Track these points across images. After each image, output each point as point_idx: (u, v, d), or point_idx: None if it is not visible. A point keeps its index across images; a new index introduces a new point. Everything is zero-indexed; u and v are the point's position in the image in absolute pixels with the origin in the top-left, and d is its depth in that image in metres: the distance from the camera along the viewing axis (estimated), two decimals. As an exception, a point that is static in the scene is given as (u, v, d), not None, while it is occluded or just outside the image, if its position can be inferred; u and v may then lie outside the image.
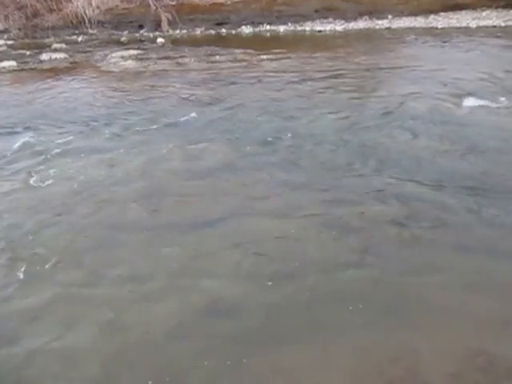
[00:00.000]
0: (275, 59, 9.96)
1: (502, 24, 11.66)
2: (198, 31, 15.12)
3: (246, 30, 14.69)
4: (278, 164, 4.93)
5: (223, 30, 14.92)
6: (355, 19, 13.91)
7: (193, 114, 6.68)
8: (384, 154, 5.01)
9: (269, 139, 5.57)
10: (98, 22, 16.18)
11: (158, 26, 15.63)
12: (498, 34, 10.92)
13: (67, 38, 15.57)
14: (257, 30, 14.60)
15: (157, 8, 15.59)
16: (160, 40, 14.06)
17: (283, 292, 3.14)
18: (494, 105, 6.30)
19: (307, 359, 2.69)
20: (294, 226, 3.80)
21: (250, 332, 2.86)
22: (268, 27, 14.57)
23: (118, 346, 2.83)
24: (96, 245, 3.77)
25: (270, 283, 3.22)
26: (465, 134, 5.43)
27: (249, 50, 11.12)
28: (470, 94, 6.64)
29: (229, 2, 16.12)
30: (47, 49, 13.53)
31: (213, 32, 14.94)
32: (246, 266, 3.41)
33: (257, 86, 7.95)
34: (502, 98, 6.46)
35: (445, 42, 10.52)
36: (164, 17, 15.42)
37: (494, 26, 11.59)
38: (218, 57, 10.79)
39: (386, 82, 7.82)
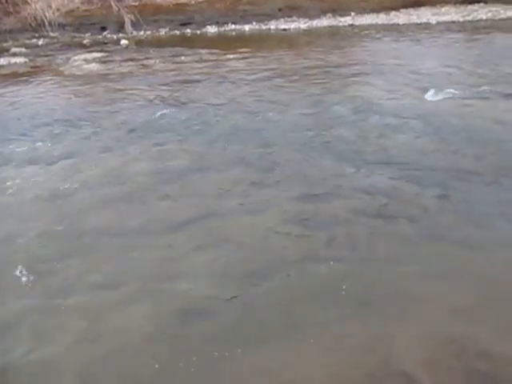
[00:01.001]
0: (241, 58, 9.96)
1: (461, 19, 12.02)
2: (162, 32, 14.95)
3: (211, 29, 14.62)
4: (247, 162, 4.93)
5: (188, 31, 14.81)
6: (319, 17, 14.05)
7: (159, 116, 6.61)
8: (351, 149, 5.08)
9: (237, 138, 5.57)
10: (59, 24, 15.77)
11: (121, 27, 15.37)
12: (457, 29, 11.26)
13: (27, 41, 15.11)
14: (222, 29, 14.56)
15: (119, 9, 15.33)
16: (124, 42, 13.84)
17: (257, 290, 3.13)
18: (456, 96, 6.49)
19: (284, 356, 2.69)
20: (265, 224, 3.81)
21: (226, 332, 2.84)
22: (233, 26, 14.55)
23: (93, 354, 2.76)
24: (66, 252, 3.67)
25: (243, 282, 3.21)
26: (430, 126, 5.57)
27: (214, 50, 11.08)
28: (432, 87, 6.81)
29: (193, 2, 16.01)
30: (5, 53, 13.10)
31: (177, 32, 14.80)
32: (219, 265, 3.39)
33: (224, 86, 7.93)
34: (464, 90, 6.66)
35: (406, 37, 10.76)
36: (127, 18, 15.17)
37: (453, 22, 11.94)
38: (183, 57, 10.70)
39: (351, 77, 7.93)
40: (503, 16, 11.96)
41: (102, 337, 2.87)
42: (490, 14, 12.09)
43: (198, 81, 8.43)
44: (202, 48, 11.50)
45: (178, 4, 15.93)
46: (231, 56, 10.28)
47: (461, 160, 4.74)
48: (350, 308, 2.96)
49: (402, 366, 2.58)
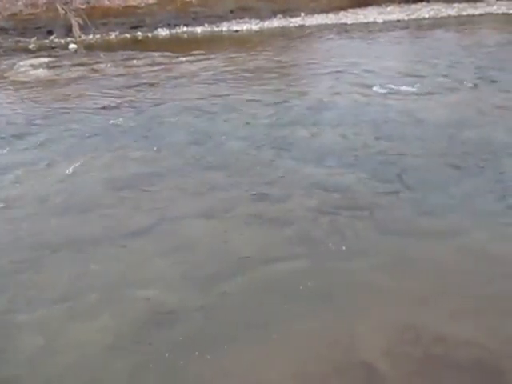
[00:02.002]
0: (195, 61, 9.92)
1: (405, 18, 12.47)
2: (112, 35, 14.63)
3: (163, 32, 14.45)
4: (203, 165, 4.93)
5: (139, 33, 14.57)
6: (270, 18, 14.19)
7: (112, 121, 6.48)
8: (306, 147, 5.19)
9: (192, 141, 5.55)
10: (1, 28, 15.12)
11: (68, 31, 14.91)
12: (403, 28, 11.68)
13: (-34, 47, 14.38)
14: (174, 31, 14.42)
15: (66, 12, 14.87)
16: (72, 46, 13.44)
17: (220, 292, 3.15)
18: (404, 92, 6.75)
19: (250, 356, 2.72)
20: (224, 225, 3.83)
21: (190, 336, 2.84)
22: (185, 29, 14.44)
23: (52, 371, 2.69)
24: (20, 267, 3.55)
25: (205, 285, 3.22)
26: (381, 121, 5.77)
27: (167, 53, 10.96)
28: (381, 84, 7.05)
29: (143, 5, 15.76)
30: None
31: (128, 36, 14.53)
32: (180, 270, 3.38)
33: (177, 89, 7.87)
34: (411, 85, 6.94)
35: (355, 36, 11.06)
36: (74, 21, 14.74)
37: (398, 20, 12.38)
38: (135, 61, 10.52)
39: (303, 77, 8.08)
40: (444, 14, 12.52)
41: (61, 352, 2.79)
42: (432, 13, 12.63)
43: (151, 84, 8.33)
44: (154, 51, 11.36)
45: (127, 6, 15.64)
46: (184, 59, 10.22)
47: (411, 153, 4.94)
48: (310, 303, 3.03)
49: (363, 356, 2.67)
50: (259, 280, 3.27)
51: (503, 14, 12.44)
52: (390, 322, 2.86)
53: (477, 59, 8.32)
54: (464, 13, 12.45)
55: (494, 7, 12.70)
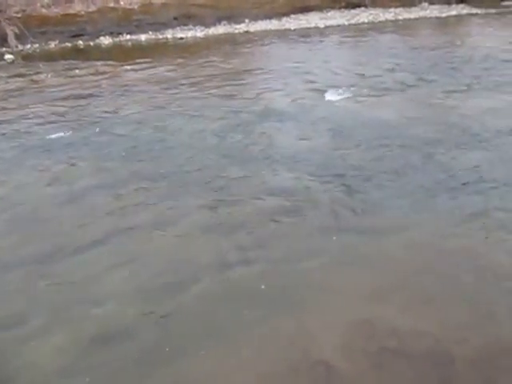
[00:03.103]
0: (140, 69, 9.76)
1: (346, 23, 12.89)
2: (52, 44, 14.12)
3: (105, 40, 14.12)
4: (152, 175, 4.85)
5: (80, 42, 14.16)
6: (215, 25, 14.22)
7: (56, 134, 6.25)
8: (257, 153, 5.23)
9: (140, 151, 5.46)
10: None
11: (3, 40, 14.24)
12: (343, 32, 12.06)
13: None
14: (117, 40, 14.13)
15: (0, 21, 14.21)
16: (8, 56, 12.84)
17: (176, 303, 3.11)
18: (348, 93, 6.96)
19: (209, 364, 2.70)
20: (177, 235, 3.79)
21: (149, 350, 2.78)
22: (128, 37, 14.19)
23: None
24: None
25: (161, 296, 3.17)
26: (331, 124, 5.92)
27: (110, 62, 10.72)
28: (328, 87, 7.24)
29: (83, 13, 15.33)
30: None
31: (69, 45, 14.08)
32: (133, 283, 3.30)
33: (123, 98, 7.71)
34: (355, 87, 7.17)
35: (299, 41, 11.29)
36: (9, 30, 14.10)
37: (339, 25, 12.76)
38: (77, 71, 10.21)
39: (251, 82, 8.15)
40: (382, 19, 13.05)
41: (10, 379, 2.66)
42: (370, 17, 13.12)
43: (95, 94, 8.11)
44: (97, 60, 11.07)
45: (66, 15, 15.16)
46: (129, 67, 10.03)
47: (358, 154, 5.10)
48: (266, 307, 3.05)
49: (320, 355, 2.71)
50: (215, 287, 3.25)
51: (436, 17, 13.12)
52: (344, 318, 2.93)
53: (414, 61, 8.73)
54: (400, 17, 13.02)
55: (427, 11, 13.39)
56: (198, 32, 13.71)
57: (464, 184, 4.41)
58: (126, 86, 8.52)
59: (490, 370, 2.61)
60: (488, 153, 5.04)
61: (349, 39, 11.33)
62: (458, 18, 13.09)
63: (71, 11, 15.15)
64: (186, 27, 14.32)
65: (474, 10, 13.37)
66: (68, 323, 3.01)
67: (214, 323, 2.96)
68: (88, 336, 2.89)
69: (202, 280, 3.31)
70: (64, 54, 12.61)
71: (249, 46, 11.63)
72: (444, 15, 13.01)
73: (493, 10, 13.24)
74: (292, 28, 12.85)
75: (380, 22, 12.87)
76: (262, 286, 3.20)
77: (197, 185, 4.60)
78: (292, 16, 13.74)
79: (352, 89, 7.15)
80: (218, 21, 14.48)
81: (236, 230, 3.81)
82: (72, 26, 14.91)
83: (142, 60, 10.63)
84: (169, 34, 13.83)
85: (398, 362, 2.66)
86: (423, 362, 2.65)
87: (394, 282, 3.25)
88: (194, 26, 14.33)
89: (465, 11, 13.37)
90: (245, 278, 3.32)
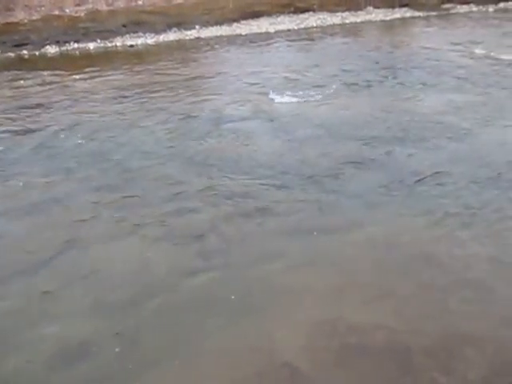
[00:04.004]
0: (89, 78, 9.51)
1: (295, 27, 13.09)
2: (-7, 55, 13.53)
3: (52, 49, 13.66)
4: (104, 186, 4.74)
5: (24, 52, 13.62)
6: (165, 31, 14.07)
7: (0, 148, 6.00)
8: (211, 159, 5.22)
9: (91, 162, 5.32)
10: None
11: None
12: (293, 36, 12.25)
13: None
14: (64, 48, 13.70)
15: None
16: None
17: (136, 316, 3.05)
18: (301, 97, 7.08)
19: (175, 377, 2.67)
20: (134, 246, 3.73)
21: (111, 368, 2.72)
22: (76, 45, 13.79)
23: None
24: None
25: (121, 310, 3.10)
26: (282, 127, 6.00)
27: (58, 71, 10.39)
28: (279, 91, 7.33)
29: (26, 21, 14.79)
30: None
31: (12, 54, 13.51)
32: (90, 299, 3.22)
33: (73, 109, 7.49)
34: (307, 91, 7.30)
35: (250, 46, 11.38)
36: None
37: (289, 30, 12.95)
38: (22, 81, 9.82)
39: (204, 89, 8.12)
40: (330, 23, 13.34)
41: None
42: (319, 22, 13.39)
43: (42, 105, 7.83)
44: (44, 69, 10.70)
45: (7, 23, 14.57)
46: (77, 76, 9.76)
47: (312, 155, 5.19)
48: (229, 313, 3.05)
49: (284, 357, 2.75)
50: (177, 297, 3.23)
51: (381, 20, 13.57)
52: (306, 319, 2.98)
53: (363, 63, 8.99)
54: (347, 21, 13.37)
55: (373, 15, 13.82)
56: (149, 39, 13.52)
57: (420, 181, 4.59)
58: (75, 95, 8.28)
59: (445, 358, 2.72)
60: (442, 150, 5.27)
61: (299, 43, 11.53)
62: (402, 20, 13.61)
63: (13, 19, 14.58)
64: (135, 34, 14.08)
65: (417, 13, 13.94)
66: (23, 344, 2.89)
67: (176, 334, 2.93)
68: (44, 358, 2.78)
69: (161, 291, 3.27)
70: (7, 65, 12.10)
71: (200, 52, 11.60)
72: (388, 18, 13.49)
73: (434, 13, 13.85)
74: (243, 33, 12.93)
75: (328, 25, 13.16)
76: (224, 293, 3.20)
77: (151, 194, 4.53)
78: (242, 21, 13.81)
79: (304, 91, 7.28)
80: (168, 27, 14.34)
81: (194, 237, 3.80)
82: (15, 35, 14.34)
83: (90, 69, 10.37)
84: (118, 42, 13.56)
85: (359, 357, 2.73)
86: (383, 354, 2.73)
87: (353, 280, 3.33)
88: (144, 33, 14.12)
89: (408, 14, 13.91)
90: (206, 285, 3.31)
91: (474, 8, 13.86)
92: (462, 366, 2.67)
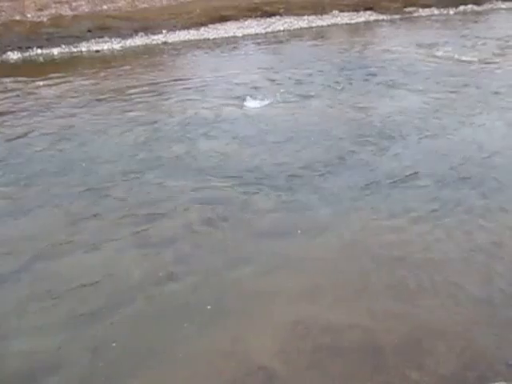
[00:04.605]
0: (54, 84, 9.30)
1: (263, 31, 13.16)
2: (-48, 62, 13.06)
3: (14, 56, 13.29)
4: (72, 194, 4.63)
5: (-15, 59, 13.23)
6: (131, 36, 13.90)
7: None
8: (183, 164, 5.19)
9: (58, 170, 5.19)
10: None
11: None
12: (261, 40, 12.32)
13: None
14: (26, 55, 13.35)
15: None
16: None
17: (104, 329, 2.99)
18: (269, 101, 7.11)
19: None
20: (102, 255, 3.66)
21: (83, 381, 2.65)
22: (39, 51, 13.46)
23: None
24: None
25: (91, 322, 3.03)
26: (252, 131, 6.01)
27: (21, 78, 10.11)
28: (248, 95, 7.34)
29: (-15, 27, 14.35)
30: None
31: (-28, 62, 13.10)
32: (61, 311, 3.13)
33: (37, 116, 7.30)
34: (275, 95, 7.33)
35: (218, 51, 11.38)
36: None
37: (257, 34, 13.01)
38: (-17, 89, 9.52)
39: (172, 93, 8.06)
40: (297, 26, 13.48)
41: None
42: (286, 25, 13.51)
43: (4, 113, 7.60)
44: (6, 76, 10.39)
45: (-34, 30, 14.10)
46: (41, 83, 9.52)
47: (283, 159, 5.22)
48: (203, 319, 3.03)
49: (259, 361, 2.75)
50: (149, 305, 3.18)
51: (346, 24, 13.81)
52: (279, 322, 2.99)
53: (330, 66, 9.11)
54: (314, 24, 13.55)
55: (339, 18, 14.04)
56: (115, 44, 13.33)
57: (390, 182, 4.67)
58: (39, 102, 8.08)
59: (416, 354, 2.78)
60: (409, 151, 5.38)
61: (267, 47, 11.60)
62: (367, 24, 13.88)
63: (-28, 26, 14.12)
64: (101, 39, 13.86)
65: (381, 17, 14.25)
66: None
67: (149, 344, 2.89)
68: (9, 377, 2.69)
69: (131, 300, 3.22)
70: (-33, 72, 11.71)
71: (168, 56, 11.52)
72: (354, 22, 13.73)
73: (397, 16, 14.19)
74: (210, 38, 12.91)
75: (295, 29, 13.30)
76: (197, 299, 3.17)
77: (121, 202, 4.46)
78: (210, 26, 13.79)
79: (272, 95, 7.32)
80: (134, 32, 14.17)
81: (164, 244, 3.75)
82: (-26, 42, 13.90)
83: (55, 75, 10.14)
84: (83, 47, 13.31)
85: (333, 357, 2.76)
86: (356, 354, 2.77)
87: (325, 281, 3.37)
88: (110, 38, 13.91)
89: (372, 18, 14.20)
90: (178, 292, 3.28)
91: (436, 11, 14.27)
92: (432, 362, 2.73)
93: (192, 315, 3.07)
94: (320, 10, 14.52)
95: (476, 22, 13.16)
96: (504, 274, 3.40)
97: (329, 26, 13.63)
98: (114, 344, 2.88)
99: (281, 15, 14.33)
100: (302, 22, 13.79)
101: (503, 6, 14.72)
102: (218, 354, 2.81)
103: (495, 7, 14.61)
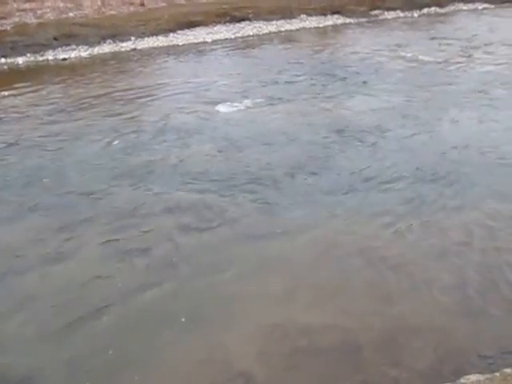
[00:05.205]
0: (19, 94, 9.06)
1: (232, 36, 13.19)
2: None
3: (-23, 65, 12.92)
4: (42, 206, 4.52)
5: None
6: (99, 44, 13.69)
7: None
8: (154, 171, 5.13)
9: (27, 181, 5.06)
10: None
11: None
12: (231, 45, 12.33)
13: None
14: (-10, 64, 13.00)
15: None
16: None
17: (85, 337, 2.92)
18: (242, 106, 7.11)
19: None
20: (77, 266, 3.59)
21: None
22: (3, 60, 13.11)
23: None
24: None
25: (66, 334, 2.96)
26: (225, 136, 6.00)
27: (-16, 88, 9.83)
28: (220, 100, 7.33)
29: None
30: None
31: None
32: (32, 326, 3.05)
33: (2, 126, 7.10)
34: (246, 99, 7.35)
35: (188, 57, 11.33)
36: None
37: (226, 39, 13.02)
38: None
39: (143, 100, 7.97)
40: (266, 31, 13.56)
41: None
42: (255, 30, 13.57)
43: (-31, 125, 7.36)
44: (-32, 87, 10.08)
45: None
46: (6, 93, 9.26)
47: (255, 163, 5.23)
48: (182, 326, 3.00)
49: (239, 366, 2.73)
50: (127, 314, 3.13)
51: (314, 27, 13.98)
52: (257, 326, 2.98)
53: (300, 69, 9.19)
54: (282, 28, 13.65)
55: (307, 22, 14.20)
56: (82, 52, 13.11)
57: (364, 182, 4.73)
58: (3, 113, 7.86)
59: (393, 351, 2.81)
60: (382, 150, 5.46)
61: (237, 52, 11.62)
62: (335, 27, 14.09)
63: None
64: (68, 47, 13.60)
65: (348, 20, 14.47)
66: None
67: (128, 353, 2.83)
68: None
69: (110, 310, 3.16)
70: None
71: (137, 63, 11.40)
72: (322, 25, 13.91)
73: (364, 19, 14.45)
74: (180, 44, 12.85)
75: (264, 34, 13.37)
76: (175, 306, 3.14)
77: (95, 210, 4.37)
78: (179, 32, 13.72)
79: (244, 100, 7.33)
80: (102, 39, 13.96)
81: (142, 251, 3.70)
82: None
83: (21, 84, 9.89)
84: (50, 56, 13.04)
85: (312, 358, 2.76)
86: (334, 354, 2.78)
87: (301, 282, 3.37)
88: (77, 45, 13.67)
89: (340, 21, 14.41)
90: (157, 299, 3.24)
91: (401, 14, 14.60)
92: (409, 358, 2.77)
93: (169, 323, 3.03)
94: (288, 15, 14.65)
95: (440, 23, 13.54)
96: (477, 270, 3.48)
97: (297, 30, 13.77)
98: (89, 355, 2.80)
99: (250, 20, 14.39)
100: (271, 27, 13.88)
101: (465, 8, 15.18)
102: (198, 361, 2.78)
103: (457, 9, 15.05)
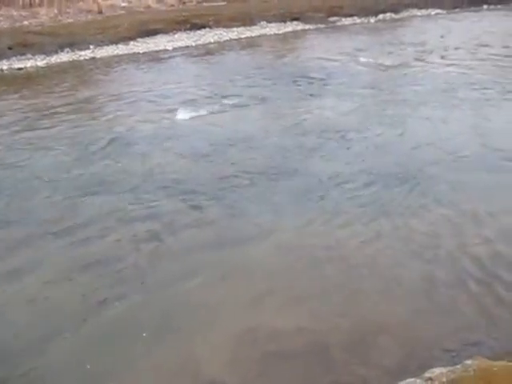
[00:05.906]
0: (-28, 106, 8.73)
1: (193, 44, 13.16)
2: None
3: None
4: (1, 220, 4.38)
5: None
6: (56, 52, 13.36)
7: None
8: (115, 182, 5.04)
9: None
10: None
11: None
12: (192, 53, 12.31)
13: None
14: None
15: None
16: None
17: (47, 358, 2.83)
18: (202, 113, 7.10)
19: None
20: (39, 282, 3.48)
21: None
22: (-46, 71, 12.60)
23: None
24: None
25: (28, 355, 2.85)
26: (185, 143, 5.98)
27: None
28: (180, 107, 7.29)
29: None
30: None
31: None
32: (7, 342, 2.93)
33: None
34: (207, 106, 7.34)
35: (149, 65, 11.22)
36: None
37: (187, 46, 12.98)
38: None
39: (102, 110, 7.84)
40: (227, 38, 13.62)
41: None
42: (215, 37, 13.60)
43: None
44: None
45: None
46: (-42, 104, 8.90)
47: (218, 168, 5.22)
48: (152, 337, 2.96)
49: (210, 375, 2.71)
50: (94, 329, 3.05)
51: (274, 34, 14.14)
52: (226, 333, 2.97)
53: (260, 75, 9.27)
54: (243, 35, 13.74)
55: (267, 29, 14.35)
56: (39, 61, 12.76)
57: (328, 185, 4.80)
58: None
59: (362, 349, 2.86)
60: (345, 152, 5.57)
61: (197, 59, 11.60)
62: (294, 33, 14.30)
63: None
64: (23, 57, 13.20)
65: (307, 26, 14.73)
66: None
67: (96, 368, 2.76)
68: None
69: (73, 326, 3.07)
70: None
71: (97, 72, 11.19)
72: (281, 32, 14.09)
73: (322, 25, 14.74)
74: (140, 52, 12.71)
75: (225, 41, 13.41)
76: (141, 318, 3.09)
77: (54, 224, 4.25)
78: (139, 40, 13.57)
79: (204, 106, 7.32)
80: (59, 48, 13.62)
81: (102, 265, 3.62)
82: None
83: (-26, 96, 9.53)
84: (4, 65, 12.62)
85: (282, 362, 2.78)
86: (304, 357, 2.80)
87: (268, 287, 3.38)
88: (34, 54, 13.28)
89: (299, 27, 14.64)
90: (124, 312, 3.17)
91: (358, 20, 14.99)
92: (377, 355, 2.82)
93: (138, 334, 2.97)
94: (248, 22, 14.76)
95: (396, 28, 13.98)
96: (442, 266, 3.59)
97: (258, 36, 13.89)
98: (57, 372, 2.72)
99: (210, 27, 14.40)
100: (232, 34, 13.95)
101: (418, 14, 15.74)
102: (167, 373, 2.74)
103: (411, 14, 15.58)
